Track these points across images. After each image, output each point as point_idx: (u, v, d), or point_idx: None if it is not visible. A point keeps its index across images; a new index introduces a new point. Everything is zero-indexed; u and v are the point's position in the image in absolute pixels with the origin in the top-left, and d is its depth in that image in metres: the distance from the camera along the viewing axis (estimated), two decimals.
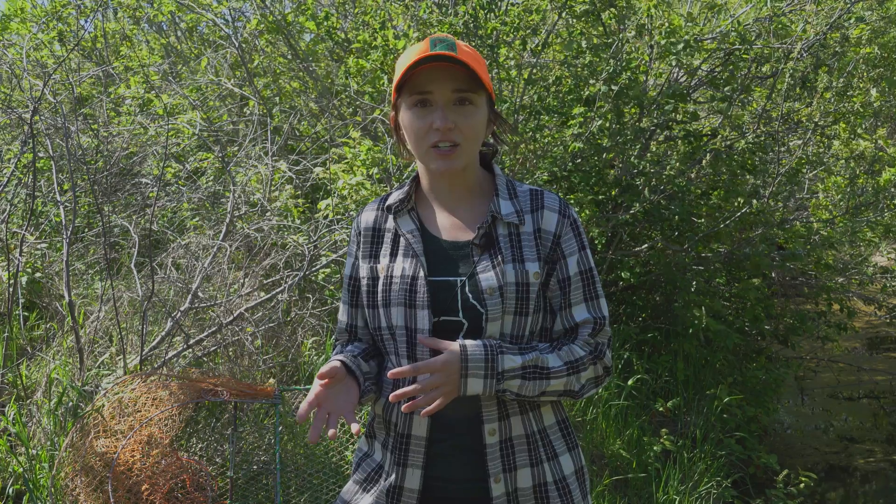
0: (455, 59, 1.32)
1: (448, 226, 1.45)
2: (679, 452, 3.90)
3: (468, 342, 1.34)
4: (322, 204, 4.28)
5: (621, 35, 4.41)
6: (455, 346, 1.33)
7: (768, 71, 4.79)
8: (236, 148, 5.18)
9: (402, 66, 1.36)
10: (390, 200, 1.49)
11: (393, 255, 1.45)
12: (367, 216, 1.51)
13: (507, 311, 1.37)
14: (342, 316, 1.55)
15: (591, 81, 4.39)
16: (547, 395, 1.39)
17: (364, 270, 1.48)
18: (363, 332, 1.53)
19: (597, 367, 1.42)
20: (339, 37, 5.21)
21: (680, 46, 4.21)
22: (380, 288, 1.44)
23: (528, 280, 1.39)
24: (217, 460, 3.04)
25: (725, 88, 4.75)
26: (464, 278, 1.39)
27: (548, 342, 1.44)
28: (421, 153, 1.40)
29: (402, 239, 1.45)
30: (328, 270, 4.03)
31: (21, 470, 2.78)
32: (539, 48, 4.34)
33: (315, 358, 3.85)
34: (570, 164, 4.42)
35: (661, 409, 4.35)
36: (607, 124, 4.39)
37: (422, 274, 1.39)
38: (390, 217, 1.48)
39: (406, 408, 1.30)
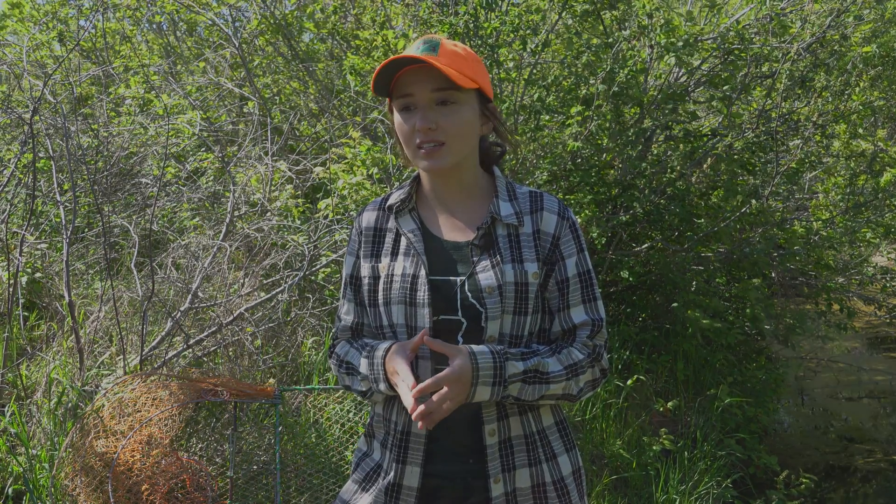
0: (422, 60, 1.30)
1: (448, 226, 1.46)
2: (679, 452, 3.90)
3: (475, 348, 1.33)
4: (322, 204, 4.28)
5: (620, 34, 4.41)
6: (464, 352, 1.32)
7: (767, 71, 4.78)
8: (236, 148, 5.18)
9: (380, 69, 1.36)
10: (391, 200, 1.50)
11: (394, 254, 1.45)
12: (368, 216, 1.52)
13: (507, 310, 1.38)
14: (347, 315, 1.53)
15: (591, 81, 4.39)
16: (546, 398, 1.39)
17: (365, 270, 1.48)
18: (368, 331, 1.53)
19: (594, 370, 1.43)
20: (343, 31, 5.20)
21: (680, 45, 4.21)
22: (381, 286, 1.44)
23: (527, 280, 1.39)
24: (217, 460, 3.04)
25: (724, 88, 4.74)
26: (463, 278, 1.40)
27: (546, 343, 1.44)
28: (410, 154, 1.42)
29: (403, 238, 1.45)
30: (328, 270, 4.03)
31: (21, 470, 2.78)
32: (539, 48, 4.33)
33: (315, 358, 3.85)
34: (570, 163, 4.42)
35: (661, 409, 4.35)
36: (606, 124, 4.38)
37: (423, 273, 1.40)
38: (391, 217, 1.48)
39: (422, 426, 1.29)
